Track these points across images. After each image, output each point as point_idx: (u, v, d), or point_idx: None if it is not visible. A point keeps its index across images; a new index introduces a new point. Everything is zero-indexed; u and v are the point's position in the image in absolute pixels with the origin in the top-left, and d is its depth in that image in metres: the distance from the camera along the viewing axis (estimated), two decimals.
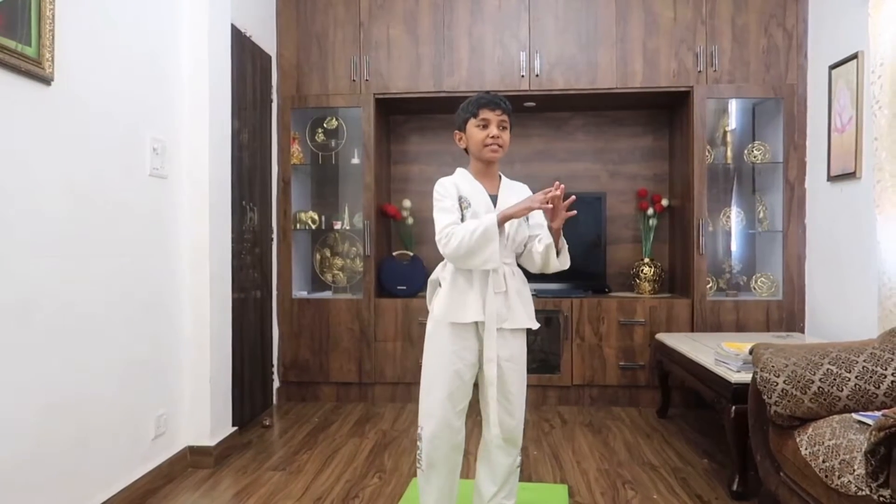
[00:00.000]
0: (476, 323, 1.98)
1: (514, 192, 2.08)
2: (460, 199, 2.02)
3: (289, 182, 3.92)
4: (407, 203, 4.19)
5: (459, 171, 2.11)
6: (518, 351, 2.03)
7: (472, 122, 2.03)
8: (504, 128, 2.03)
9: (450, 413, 1.98)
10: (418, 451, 2.03)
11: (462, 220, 1.98)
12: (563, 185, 1.91)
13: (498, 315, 1.97)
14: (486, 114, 2.01)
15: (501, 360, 1.98)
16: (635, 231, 4.25)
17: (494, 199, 2.04)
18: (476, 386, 2.06)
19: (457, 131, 2.10)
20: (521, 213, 1.92)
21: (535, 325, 2.06)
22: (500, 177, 2.12)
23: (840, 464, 1.73)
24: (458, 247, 1.90)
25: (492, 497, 2.07)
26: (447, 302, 1.99)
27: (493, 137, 2.00)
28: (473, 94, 2.10)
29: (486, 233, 1.87)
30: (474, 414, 2.14)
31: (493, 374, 1.95)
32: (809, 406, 1.98)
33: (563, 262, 2.04)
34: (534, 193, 2.08)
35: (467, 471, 2.61)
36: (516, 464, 2.09)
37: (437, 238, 1.99)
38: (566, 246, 2.04)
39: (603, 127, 4.31)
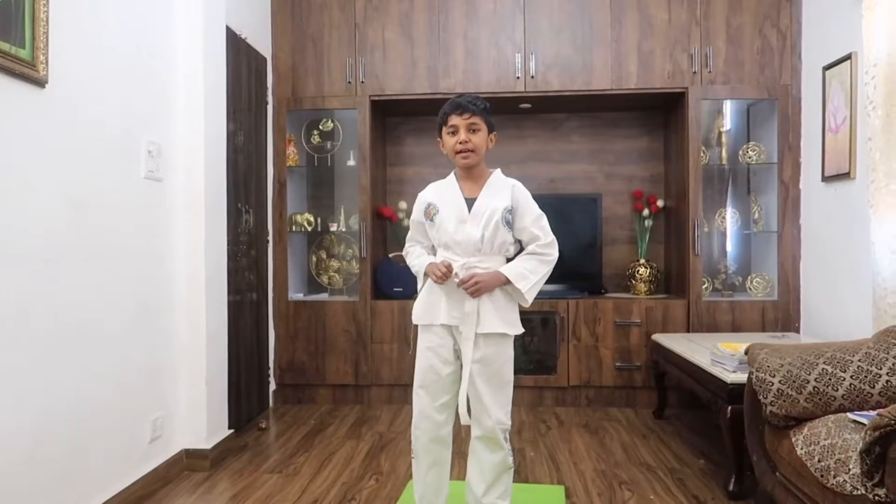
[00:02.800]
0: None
1: (496, 194, 2.05)
2: (428, 206, 2.08)
3: (284, 184, 3.92)
4: (403, 205, 4.19)
5: (451, 174, 2.14)
6: (491, 355, 2.02)
7: (444, 130, 2.06)
8: (475, 130, 2.01)
9: (427, 405, 2.06)
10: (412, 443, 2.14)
11: (433, 223, 2.07)
12: (459, 278, 1.99)
13: (469, 319, 1.99)
14: (454, 119, 2.01)
15: (472, 363, 2.00)
16: (631, 232, 4.26)
17: (471, 202, 2.03)
18: None
19: (438, 139, 2.12)
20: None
21: (513, 331, 2.05)
22: (489, 176, 2.10)
23: (835, 463, 1.73)
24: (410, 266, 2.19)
25: (484, 496, 2.08)
26: (422, 304, 2.09)
27: (461, 143, 2.00)
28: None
29: (417, 275, 2.14)
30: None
31: (466, 375, 2.02)
32: (805, 406, 1.98)
33: (520, 299, 2.07)
34: (522, 197, 2.08)
35: (460, 472, 2.60)
36: (507, 464, 2.08)
37: None
38: (526, 289, 2.02)
39: (598, 128, 4.32)
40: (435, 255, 2.14)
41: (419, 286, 2.13)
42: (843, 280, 3.22)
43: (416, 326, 2.12)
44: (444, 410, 2.07)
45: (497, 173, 2.11)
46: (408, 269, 2.19)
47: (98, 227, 2.30)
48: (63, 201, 2.11)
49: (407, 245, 2.23)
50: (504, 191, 2.06)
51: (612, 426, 3.45)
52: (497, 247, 2.03)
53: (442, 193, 2.09)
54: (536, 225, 2.06)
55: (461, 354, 2.05)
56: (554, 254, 2.07)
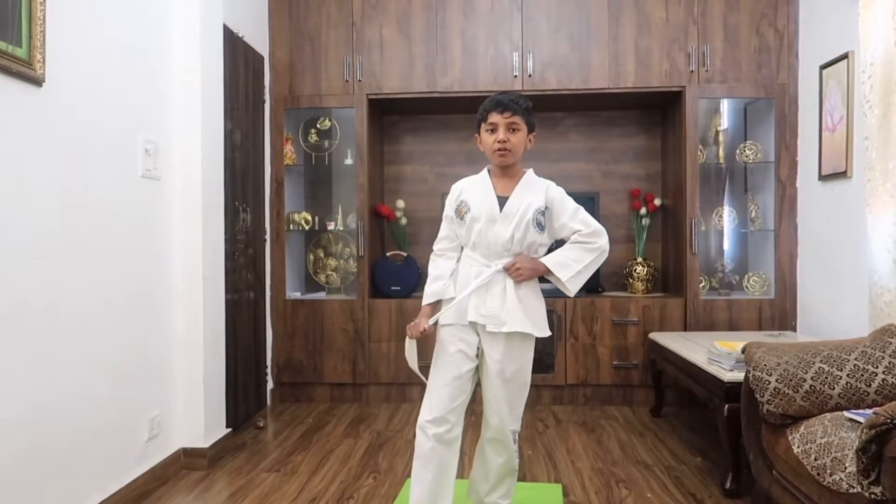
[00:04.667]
0: (476, 322, 2.00)
1: (529, 193, 2.01)
2: (460, 203, 2.04)
3: (282, 183, 3.92)
4: (400, 203, 4.19)
5: (484, 170, 2.10)
6: (513, 355, 2.00)
7: (483, 127, 2.01)
8: (514, 129, 1.97)
9: (445, 407, 1.97)
10: (415, 444, 2.05)
11: (462, 222, 2.03)
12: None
13: (495, 317, 1.97)
14: (493, 117, 1.97)
15: (492, 362, 1.99)
16: (628, 231, 4.26)
17: (503, 200, 2.00)
18: (478, 384, 2.09)
19: (476, 135, 2.08)
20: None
21: (540, 333, 2.01)
22: (523, 175, 2.06)
23: (832, 461, 1.74)
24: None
25: (487, 495, 2.08)
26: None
27: (499, 142, 1.96)
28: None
29: (425, 294, 2.08)
30: (471, 415, 2.15)
31: (490, 374, 2.00)
32: (801, 404, 1.99)
33: (563, 289, 2.04)
34: (558, 196, 2.04)
35: (463, 471, 2.60)
36: (513, 466, 2.09)
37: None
38: (567, 278, 1.99)
39: (596, 127, 4.32)
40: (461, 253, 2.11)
41: (424, 303, 2.08)
42: (840, 278, 3.23)
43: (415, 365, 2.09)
44: (458, 411, 2.02)
45: (530, 172, 2.08)
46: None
47: (95, 225, 2.29)
48: (59, 200, 2.11)
49: (437, 246, 2.15)
50: (538, 190, 2.02)
51: (609, 424, 3.46)
52: (526, 247, 2.00)
53: (474, 190, 2.04)
54: (575, 219, 2.02)
55: (481, 353, 2.03)
56: (600, 242, 2.01)
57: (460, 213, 2.03)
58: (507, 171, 2.04)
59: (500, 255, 1.98)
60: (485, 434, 2.08)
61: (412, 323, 2.02)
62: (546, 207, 2.01)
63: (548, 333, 2.04)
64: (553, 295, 3.82)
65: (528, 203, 1.98)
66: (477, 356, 2.04)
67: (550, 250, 2.06)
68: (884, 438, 1.51)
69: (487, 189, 2.02)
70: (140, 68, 2.59)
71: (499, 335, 1.98)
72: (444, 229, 2.13)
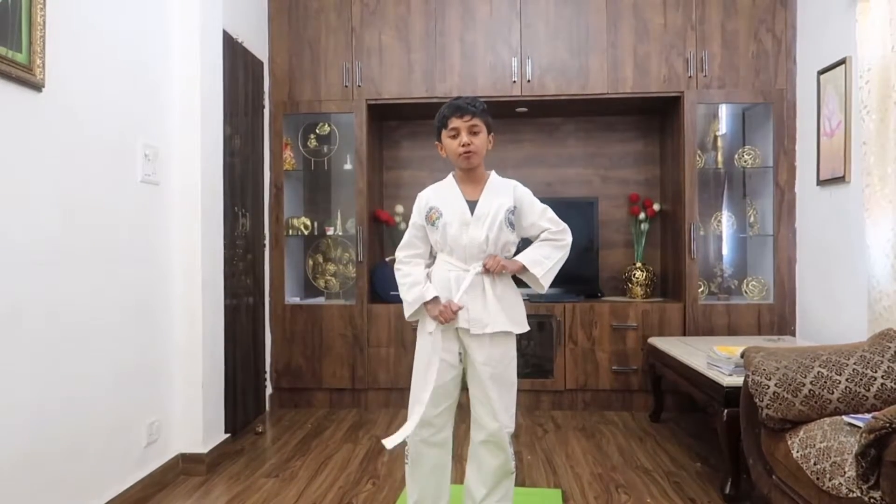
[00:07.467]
0: (459, 327, 2.03)
1: (497, 194, 2.06)
2: (430, 210, 2.07)
3: (281, 188, 3.92)
4: (399, 208, 4.19)
5: (449, 176, 2.14)
6: (497, 355, 2.02)
7: (444, 133, 2.06)
8: (475, 132, 2.02)
9: (429, 411, 2.02)
10: (406, 447, 2.10)
11: (435, 228, 2.05)
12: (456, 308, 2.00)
13: (478, 320, 1.99)
14: (454, 122, 2.02)
15: (479, 364, 2.01)
16: (627, 235, 4.27)
17: (473, 204, 2.04)
18: (465, 388, 2.10)
19: (436, 142, 2.12)
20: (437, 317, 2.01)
21: (520, 329, 2.06)
22: (487, 177, 2.10)
23: (831, 466, 1.74)
24: (398, 283, 2.11)
25: (483, 499, 2.08)
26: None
27: (463, 146, 2.00)
28: None
29: (406, 304, 2.06)
30: (463, 421, 2.15)
31: (479, 377, 2.02)
32: (801, 409, 1.99)
33: (536, 286, 2.08)
34: (525, 195, 2.10)
35: (459, 477, 2.60)
36: (509, 469, 2.09)
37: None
38: (542, 274, 2.05)
39: (594, 132, 4.33)
40: (433, 260, 2.13)
41: (407, 313, 2.07)
42: (839, 283, 3.23)
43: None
44: (445, 415, 2.07)
45: (494, 174, 2.13)
46: None
47: (94, 230, 2.30)
48: (59, 205, 2.11)
49: (401, 254, 2.14)
50: (505, 191, 2.08)
51: (608, 430, 3.45)
52: (500, 247, 2.04)
53: (443, 196, 2.08)
54: (544, 218, 2.09)
55: (464, 357, 2.05)
56: (567, 239, 2.10)
57: (431, 219, 2.07)
58: (472, 175, 2.09)
59: (477, 257, 2.02)
60: (477, 438, 2.08)
61: (440, 312, 1.99)
62: (515, 207, 2.06)
63: (527, 328, 2.09)
64: (551, 300, 3.84)
65: (499, 204, 2.03)
66: (460, 362, 2.06)
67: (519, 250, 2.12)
68: (883, 443, 1.51)
69: (456, 194, 2.07)
70: (140, 73, 2.60)
71: (483, 337, 2.01)
72: (408, 236, 2.15)
